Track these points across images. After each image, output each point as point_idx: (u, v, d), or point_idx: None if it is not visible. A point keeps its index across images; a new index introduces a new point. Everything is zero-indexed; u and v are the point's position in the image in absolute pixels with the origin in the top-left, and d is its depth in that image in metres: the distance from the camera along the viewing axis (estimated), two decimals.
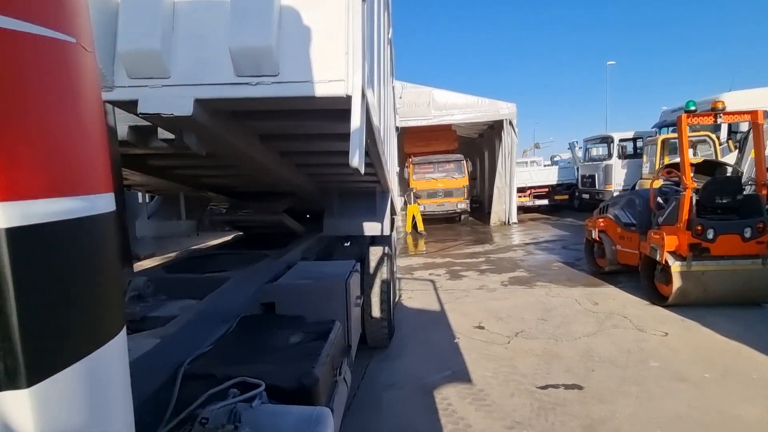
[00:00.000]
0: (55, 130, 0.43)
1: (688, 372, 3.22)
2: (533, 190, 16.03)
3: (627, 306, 4.81)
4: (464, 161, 14.34)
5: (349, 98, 1.49)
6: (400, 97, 13.95)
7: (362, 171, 1.62)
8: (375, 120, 2.20)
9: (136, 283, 2.10)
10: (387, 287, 3.81)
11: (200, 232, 4.27)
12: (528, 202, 16.04)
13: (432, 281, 6.61)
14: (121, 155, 2.82)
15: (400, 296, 5.83)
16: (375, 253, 3.97)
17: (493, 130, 14.85)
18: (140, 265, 3.56)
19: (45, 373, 0.40)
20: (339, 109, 1.59)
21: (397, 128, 6.37)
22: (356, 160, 1.46)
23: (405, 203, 13.96)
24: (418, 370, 3.56)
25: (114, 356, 0.50)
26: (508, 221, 13.91)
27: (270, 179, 3.27)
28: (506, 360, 3.63)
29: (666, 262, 4.42)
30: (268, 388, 1.50)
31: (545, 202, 15.95)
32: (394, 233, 6.02)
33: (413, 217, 13.30)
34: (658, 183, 5.48)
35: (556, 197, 15.82)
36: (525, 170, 16.71)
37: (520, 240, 10.39)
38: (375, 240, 4.51)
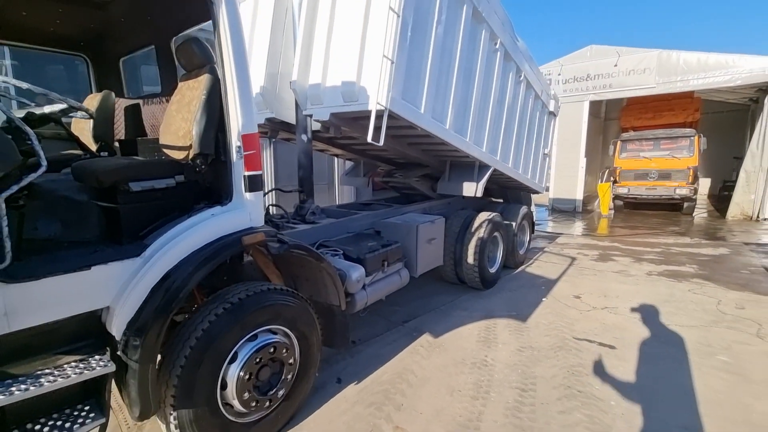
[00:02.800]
0: None
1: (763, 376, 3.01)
2: None
3: None
4: (696, 137, 11.69)
5: (380, 111, 2.96)
6: (615, 65, 12.57)
7: (380, 143, 3.08)
8: (432, 127, 3.54)
9: (311, 206, 4.18)
10: (482, 243, 4.85)
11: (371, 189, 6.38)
12: None
13: (573, 258, 6.79)
14: (328, 138, 5.08)
15: (526, 262, 6.48)
16: (480, 218, 5.06)
17: None
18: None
19: None
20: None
21: (551, 112, 6.66)
22: (369, 136, 2.94)
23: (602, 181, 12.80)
24: (493, 306, 4.57)
25: None
26: (757, 216, 10.73)
27: (399, 153, 4.89)
28: (570, 319, 4.14)
29: None
30: (346, 255, 3.30)
31: None
32: (527, 209, 6.55)
33: (610, 198, 12.18)
34: None
35: None
36: None
37: (743, 239, 8.30)
38: (486, 209, 5.53)
